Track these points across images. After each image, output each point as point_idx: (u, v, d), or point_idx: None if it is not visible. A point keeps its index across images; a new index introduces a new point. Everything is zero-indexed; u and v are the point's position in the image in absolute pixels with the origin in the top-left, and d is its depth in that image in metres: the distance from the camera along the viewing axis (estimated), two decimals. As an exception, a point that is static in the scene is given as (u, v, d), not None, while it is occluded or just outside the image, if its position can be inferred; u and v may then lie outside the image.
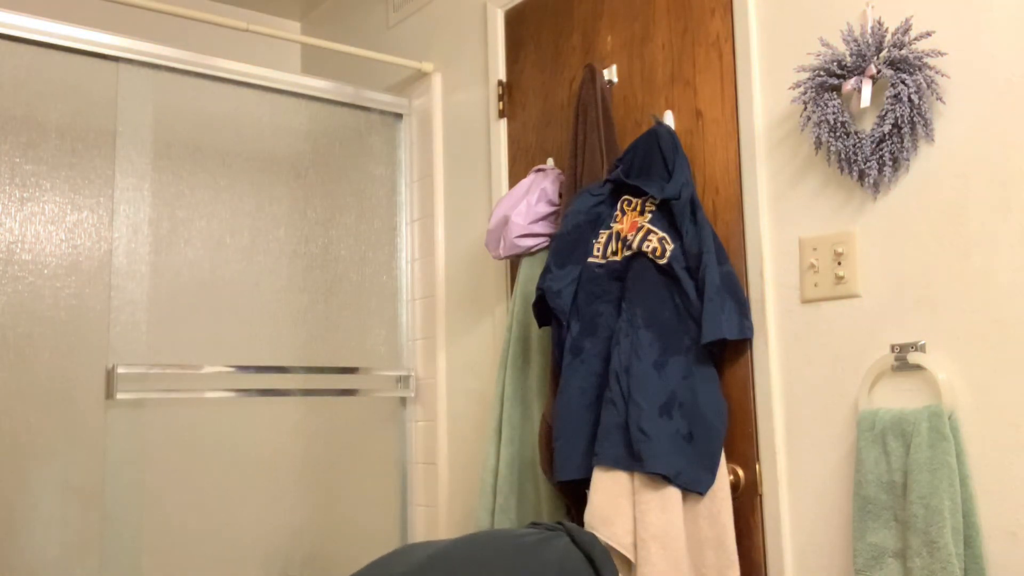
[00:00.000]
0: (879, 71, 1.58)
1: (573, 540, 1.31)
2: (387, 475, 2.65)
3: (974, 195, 1.51)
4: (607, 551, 1.31)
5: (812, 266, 1.71)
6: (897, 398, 1.58)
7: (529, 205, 2.14)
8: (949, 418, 1.47)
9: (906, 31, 1.57)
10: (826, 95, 1.66)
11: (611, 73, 2.14)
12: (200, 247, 2.36)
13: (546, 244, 2.16)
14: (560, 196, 2.16)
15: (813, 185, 1.73)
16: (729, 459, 1.82)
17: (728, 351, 1.84)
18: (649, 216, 1.87)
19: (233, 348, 2.40)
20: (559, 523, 1.38)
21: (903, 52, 1.56)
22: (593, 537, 1.33)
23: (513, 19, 2.47)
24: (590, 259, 1.94)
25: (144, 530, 2.20)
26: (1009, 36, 1.48)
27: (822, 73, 1.66)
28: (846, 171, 1.66)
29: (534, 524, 1.39)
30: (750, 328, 1.79)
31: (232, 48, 3.23)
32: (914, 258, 1.58)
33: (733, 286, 1.79)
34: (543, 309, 2.01)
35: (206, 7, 3.29)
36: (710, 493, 1.74)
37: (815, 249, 1.71)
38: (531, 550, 1.26)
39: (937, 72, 1.54)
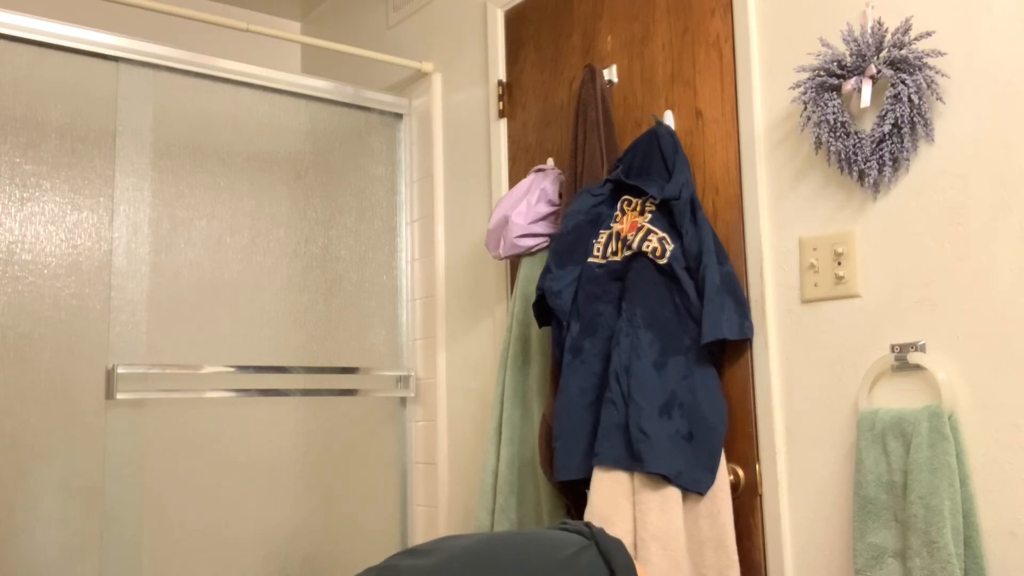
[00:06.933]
0: (879, 71, 1.58)
1: (599, 549, 1.30)
2: (387, 475, 2.65)
3: (974, 195, 1.51)
4: (631, 562, 1.30)
5: (812, 266, 1.71)
6: (897, 398, 1.58)
7: (529, 205, 2.14)
8: (949, 418, 1.47)
9: (906, 31, 1.57)
10: (826, 95, 1.66)
11: (611, 73, 2.14)
12: (200, 247, 2.36)
13: (546, 244, 2.16)
14: (560, 196, 2.16)
15: (813, 185, 1.73)
16: (729, 459, 1.82)
17: (728, 351, 1.84)
18: (649, 216, 1.87)
19: (233, 348, 2.40)
20: (587, 524, 1.36)
21: (903, 52, 1.56)
22: (619, 545, 1.31)
23: (513, 19, 2.47)
24: (590, 259, 1.94)
25: (144, 530, 2.20)
26: (1009, 36, 1.48)
27: (822, 73, 1.66)
28: (846, 171, 1.66)
29: (563, 523, 1.37)
30: (750, 328, 1.79)
31: (232, 48, 3.23)
32: (914, 258, 1.58)
33: (733, 286, 1.79)
34: (543, 309, 2.01)
35: (206, 7, 3.29)
36: (710, 493, 1.74)
37: (815, 249, 1.71)
38: (565, 564, 1.25)
39: (937, 72, 1.54)
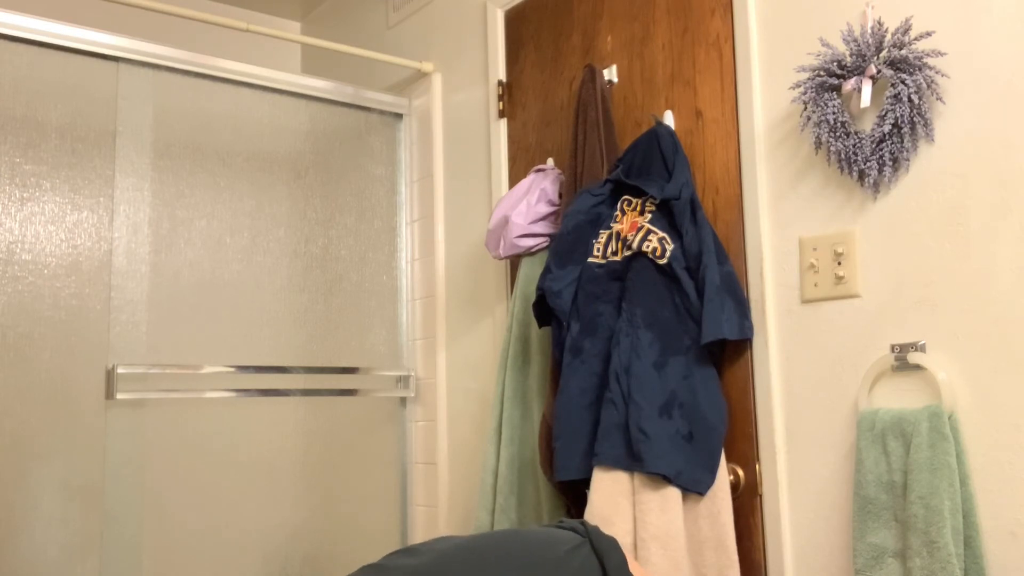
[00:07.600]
0: (879, 71, 1.58)
1: (593, 548, 1.29)
2: (387, 475, 2.65)
3: (974, 195, 1.51)
4: (624, 561, 1.29)
5: (812, 266, 1.71)
6: (897, 398, 1.58)
7: (529, 205, 2.14)
8: (949, 418, 1.47)
9: (906, 31, 1.57)
10: (826, 95, 1.66)
11: (611, 73, 2.14)
12: (200, 247, 2.36)
13: (546, 244, 2.16)
14: (560, 196, 2.16)
15: (813, 185, 1.73)
16: (729, 459, 1.82)
17: (728, 351, 1.84)
18: (649, 216, 1.87)
19: (233, 348, 2.40)
20: (582, 522, 1.35)
21: (903, 52, 1.56)
22: (612, 543, 1.31)
23: (513, 19, 2.47)
24: (590, 259, 1.94)
25: (144, 530, 2.20)
26: (1009, 36, 1.48)
27: (822, 73, 1.66)
28: (846, 171, 1.66)
29: (559, 522, 1.37)
30: (750, 328, 1.79)
31: (232, 48, 3.23)
32: (914, 258, 1.58)
33: (733, 286, 1.79)
34: (543, 309, 2.01)
35: (206, 7, 3.29)
36: (710, 493, 1.74)
37: (815, 249, 1.71)
38: (558, 562, 1.25)
39: (937, 72, 1.54)
